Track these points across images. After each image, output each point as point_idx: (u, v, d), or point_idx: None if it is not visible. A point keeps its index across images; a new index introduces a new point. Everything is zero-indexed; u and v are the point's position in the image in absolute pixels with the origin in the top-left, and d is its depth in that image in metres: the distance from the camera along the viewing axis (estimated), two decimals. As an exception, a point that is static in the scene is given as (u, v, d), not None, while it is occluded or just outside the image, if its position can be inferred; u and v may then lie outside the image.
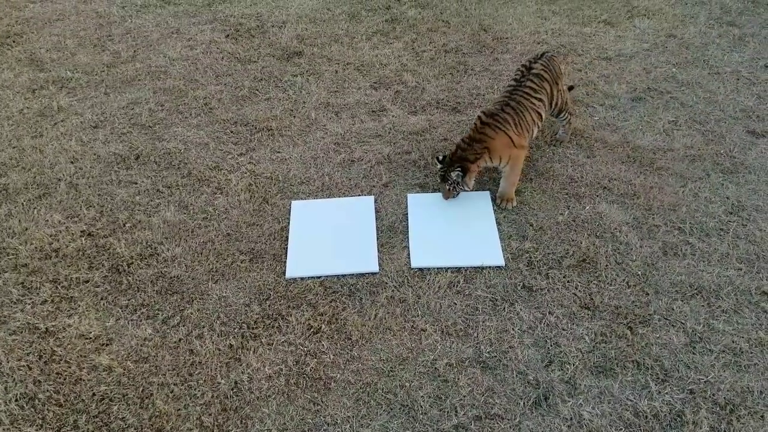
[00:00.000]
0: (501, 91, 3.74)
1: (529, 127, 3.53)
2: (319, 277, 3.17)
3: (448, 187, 3.46)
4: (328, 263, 3.23)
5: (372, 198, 3.66)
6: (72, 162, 3.97)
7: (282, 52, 5.17)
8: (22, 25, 5.54)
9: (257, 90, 4.71)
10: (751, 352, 2.77)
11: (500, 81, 4.72)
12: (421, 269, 3.20)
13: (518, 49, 5.11)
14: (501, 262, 3.21)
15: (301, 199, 3.68)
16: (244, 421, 2.56)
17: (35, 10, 5.80)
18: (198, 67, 4.96)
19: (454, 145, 3.58)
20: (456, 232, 3.41)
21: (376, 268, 3.20)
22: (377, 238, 3.39)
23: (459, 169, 3.36)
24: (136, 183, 3.81)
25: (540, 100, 3.56)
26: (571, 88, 4.03)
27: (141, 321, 2.97)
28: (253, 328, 2.93)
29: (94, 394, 2.65)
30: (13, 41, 5.31)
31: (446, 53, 5.08)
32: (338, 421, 2.56)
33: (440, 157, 3.45)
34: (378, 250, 3.32)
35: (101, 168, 3.93)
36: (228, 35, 5.40)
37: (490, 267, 3.19)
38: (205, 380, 2.71)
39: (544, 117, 3.66)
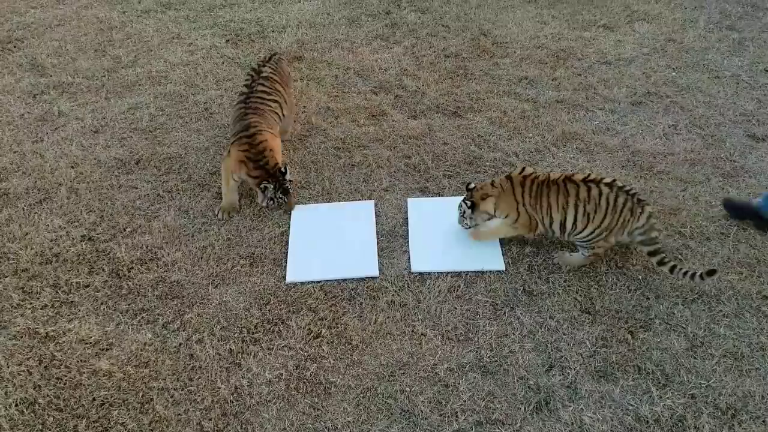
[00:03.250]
0: (236, 99, 3.79)
1: (272, 126, 3.63)
2: (319, 282, 3.17)
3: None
4: (329, 268, 3.24)
5: (372, 202, 3.67)
6: (72, 167, 3.98)
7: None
8: (23, 30, 5.56)
9: (257, 95, 4.71)
10: (753, 357, 2.77)
11: (500, 85, 4.74)
12: (421, 274, 3.20)
13: (518, 54, 5.13)
14: (501, 266, 3.21)
15: (302, 203, 3.69)
16: (244, 426, 2.56)
17: (36, 15, 5.82)
18: (198, 72, 4.98)
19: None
20: (456, 237, 3.41)
21: (376, 273, 3.21)
22: (377, 243, 3.40)
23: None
24: (136, 187, 3.82)
25: (276, 101, 3.70)
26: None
27: (141, 326, 2.97)
28: (253, 333, 2.93)
29: (94, 399, 2.65)
30: (14, 46, 5.33)
31: (446, 58, 5.10)
32: (338, 426, 2.55)
33: None
34: (378, 255, 3.32)
35: (101, 173, 3.94)
36: (228, 40, 5.42)
37: (490, 271, 3.19)
38: (205, 385, 2.71)
39: (281, 119, 3.78)
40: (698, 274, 2.89)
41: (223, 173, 3.56)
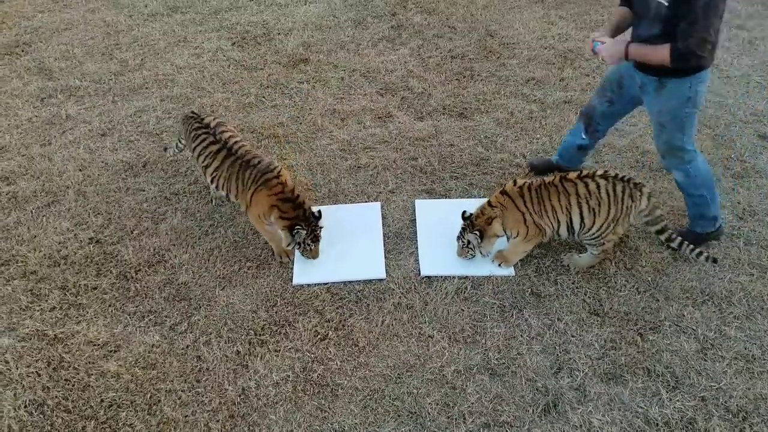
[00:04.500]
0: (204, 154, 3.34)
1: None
2: (325, 284, 3.19)
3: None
4: (335, 270, 3.26)
5: (379, 204, 3.68)
6: (80, 170, 4.02)
7: (288, 59, 5.23)
8: (30, 34, 5.64)
9: (263, 97, 4.76)
10: (764, 359, 2.76)
11: (507, 86, 4.74)
12: (429, 277, 3.21)
13: (525, 55, 5.13)
14: (511, 272, 3.21)
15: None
16: (251, 427, 2.58)
17: (44, 19, 5.90)
18: (204, 75, 5.03)
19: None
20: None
21: (383, 275, 3.22)
22: (384, 245, 3.42)
23: None
24: (143, 190, 3.86)
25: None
26: None
27: (149, 328, 3.00)
28: (260, 335, 2.95)
29: (102, 401, 2.68)
30: (22, 50, 5.40)
31: (452, 59, 5.12)
32: (345, 428, 2.57)
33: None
34: (385, 257, 3.34)
35: (109, 176, 3.98)
36: (234, 43, 5.46)
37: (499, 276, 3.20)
38: (212, 387, 2.73)
39: None
40: (705, 255, 3.08)
41: (255, 224, 3.29)
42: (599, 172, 3.02)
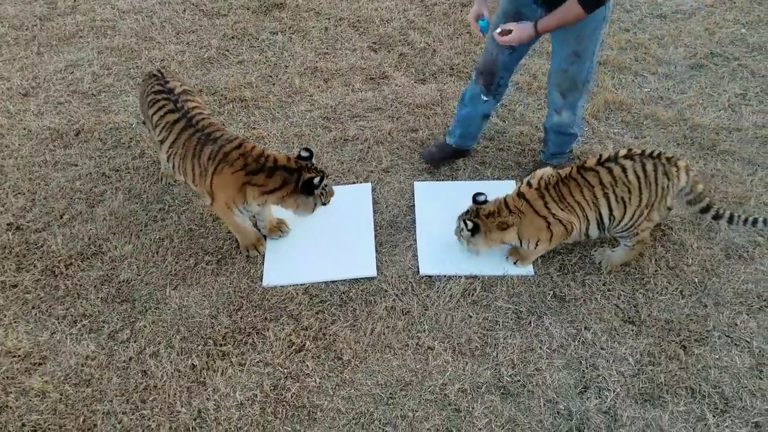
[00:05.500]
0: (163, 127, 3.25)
1: None
2: (303, 284, 3.20)
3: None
4: (316, 268, 3.27)
5: (369, 186, 3.69)
6: (-3, 138, 3.99)
7: (259, 3, 5.18)
8: (-67, -33, 5.54)
9: (227, 50, 4.72)
10: (832, 379, 2.81)
11: (528, 42, 4.73)
12: (429, 276, 3.23)
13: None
14: (530, 271, 3.24)
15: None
16: (209, 457, 2.61)
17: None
18: (154, 22, 4.97)
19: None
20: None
21: (373, 273, 3.24)
22: (375, 236, 3.42)
23: None
24: (76, 165, 3.83)
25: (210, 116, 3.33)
26: None
27: (82, 335, 3.00)
28: (221, 345, 2.96)
29: (23, 425, 2.68)
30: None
31: (463, 7, 5.10)
32: (325, 459, 2.60)
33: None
34: (376, 251, 3.35)
35: (33, 146, 3.95)
36: (190, -18, 5.40)
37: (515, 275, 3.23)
38: (161, 408, 2.74)
39: None
40: (761, 219, 3.09)
41: (223, 217, 3.27)
42: (622, 152, 3.04)
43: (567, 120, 3.50)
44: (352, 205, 3.57)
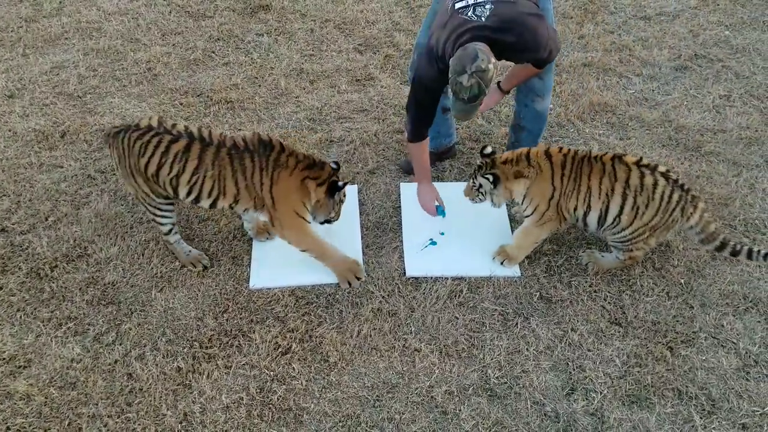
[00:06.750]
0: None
1: None
2: (289, 286, 3.18)
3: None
4: (302, 270, 3.24)
5: (355, 188, 3.68)
6: (-20, 140, 3.95)
7: (244, 4, 5.16)
8: None
9: (213, 52, 4.71)
10: (816, 378, 2.82)
11: (515, 44, 4.74)
12: (416, 278, 3.22)
13: (537, 6, 5.14)
14: (516, 272, 3.23)
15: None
16: (195, 462, 2.58)
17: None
18: (139, 24, 4.94)
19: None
20: (460, 234, 3.42)
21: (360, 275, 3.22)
22: (361, 238, 3.41)
23: None
24: (61, 167, 3.80)
25: None
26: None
27: (67, 338, 2.96)
28: (206, 348, 2.93)
29: (8, 428, 2.64)
30: None
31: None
32: (312, 462, 2.58)
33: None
34: (362, 253, 3.33)
35: (18, 148, 3.91)
36: (178, -17, 5.38)
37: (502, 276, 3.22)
38: (146, 411, 2.71)
39: None
40: None
41: (298, 236, 3.12)
42: (661, 168, 3.00)
43: (548, 100, 3.49)
44: (339, 206, 3.55)
